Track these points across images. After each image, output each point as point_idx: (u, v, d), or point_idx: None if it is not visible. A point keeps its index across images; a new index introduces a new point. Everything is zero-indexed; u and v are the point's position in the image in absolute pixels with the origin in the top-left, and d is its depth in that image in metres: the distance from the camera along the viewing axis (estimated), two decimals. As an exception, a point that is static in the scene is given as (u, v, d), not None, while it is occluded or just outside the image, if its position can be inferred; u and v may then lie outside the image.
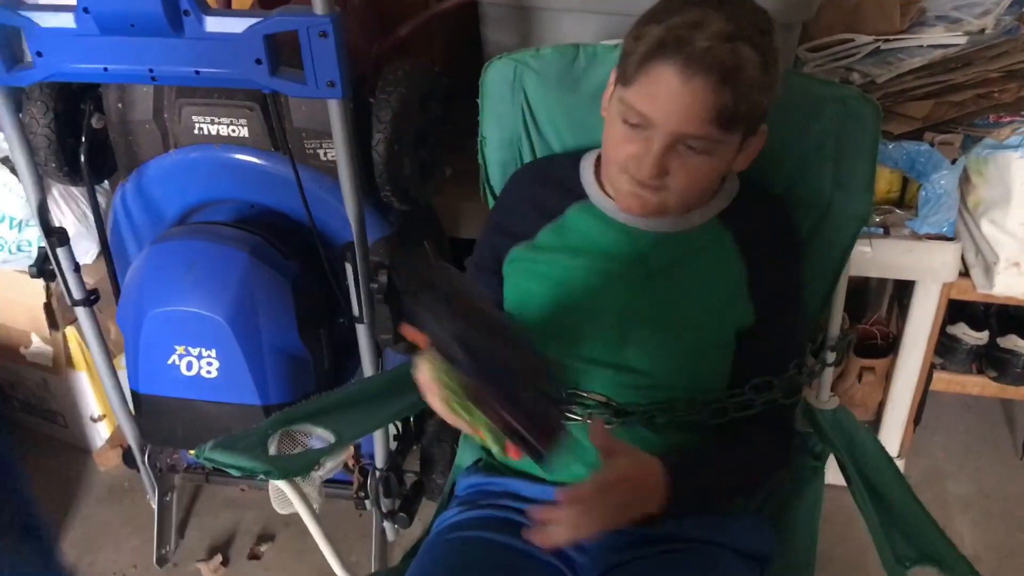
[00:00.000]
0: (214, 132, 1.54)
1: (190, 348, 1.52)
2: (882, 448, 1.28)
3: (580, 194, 1.22)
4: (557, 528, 0.95)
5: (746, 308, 1.18)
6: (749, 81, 0.99)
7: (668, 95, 1.00)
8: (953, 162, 1.61)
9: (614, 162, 1.11)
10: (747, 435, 1.20)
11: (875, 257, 1.71)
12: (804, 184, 1.29)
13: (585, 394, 1.19)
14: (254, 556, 1.93)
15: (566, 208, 1.21)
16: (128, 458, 1.87)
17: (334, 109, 1.34)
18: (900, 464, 1.99)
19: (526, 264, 1.23)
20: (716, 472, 1.15)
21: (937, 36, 1.68)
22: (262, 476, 1.16)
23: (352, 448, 1.80)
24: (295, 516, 2.01)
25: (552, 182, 1.25)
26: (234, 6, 1.61)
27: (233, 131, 1.53)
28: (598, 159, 1.21)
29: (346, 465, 1.80)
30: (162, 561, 1.90)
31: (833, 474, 1.32)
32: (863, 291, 2.29)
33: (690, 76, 0.98)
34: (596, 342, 1.18)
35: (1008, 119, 1.66)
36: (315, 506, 1.26)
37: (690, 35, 0.97)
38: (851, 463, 1.25)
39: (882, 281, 2.19)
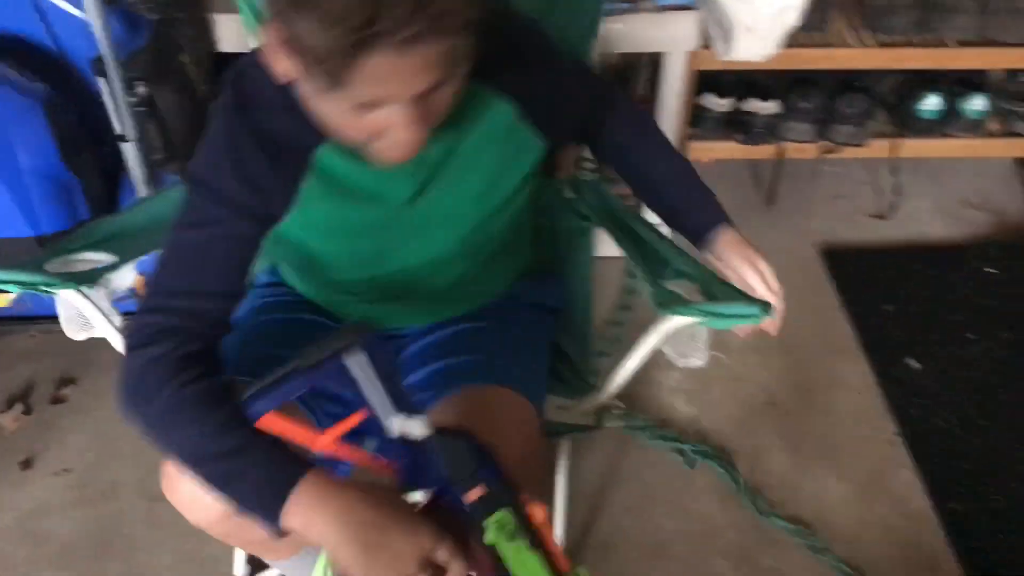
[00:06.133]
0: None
1: (-58, 186, 1.44)
2: (628, 205, 1.42)
3: (319, 137, 1.00)
4: None
5: (534, 143, 1.13)
6: (456, 11, 0.83)
7: (395, 77, 0.84)
8: (686, -69, 1.71)
9: (354, 140, 0.95)
10: None
11: (626, 32, 1.82)
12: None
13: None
14: (58, 400, 1.91)
15: (312, 156, 1.03)
16: None
17: (56, -93, 1.26)
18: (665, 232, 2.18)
19: (309, 227, 1.10)
20: None
21: None
22: (45, 288, 1.15)
23: (141, 277, 1.78)
24: (97, 358, 2.00)
25: (281, 138, 1.01)
26: None
27: (-53, -56, 1.41)
28: None
29: (137, 294, 1.78)
30: (-45, 421, 1.85)
31: (601, 247, 1.46)
32: (626, 75, 2.42)
33: (407, 52, 0.82)
34: (421, 268, 1.17)
35: None
36: (115, 321, 1.26)
37: (376, 12, 0.79)
38: (608, 217, 1.39)
39: (637, 63, 2.32)
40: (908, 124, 2.19)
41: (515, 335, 1.27)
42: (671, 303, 1.14)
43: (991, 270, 2.16)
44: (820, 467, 1.80)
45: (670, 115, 2.03)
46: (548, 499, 1.58)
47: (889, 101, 2.24)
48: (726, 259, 1.17)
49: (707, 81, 2.15)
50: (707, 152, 2.21)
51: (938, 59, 2.05)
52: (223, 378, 0.99)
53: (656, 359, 1.17)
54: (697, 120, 2.17)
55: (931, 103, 2.14)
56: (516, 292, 1.32)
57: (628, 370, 1.24)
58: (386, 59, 0.82)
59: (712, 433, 1.85)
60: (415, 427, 0.89)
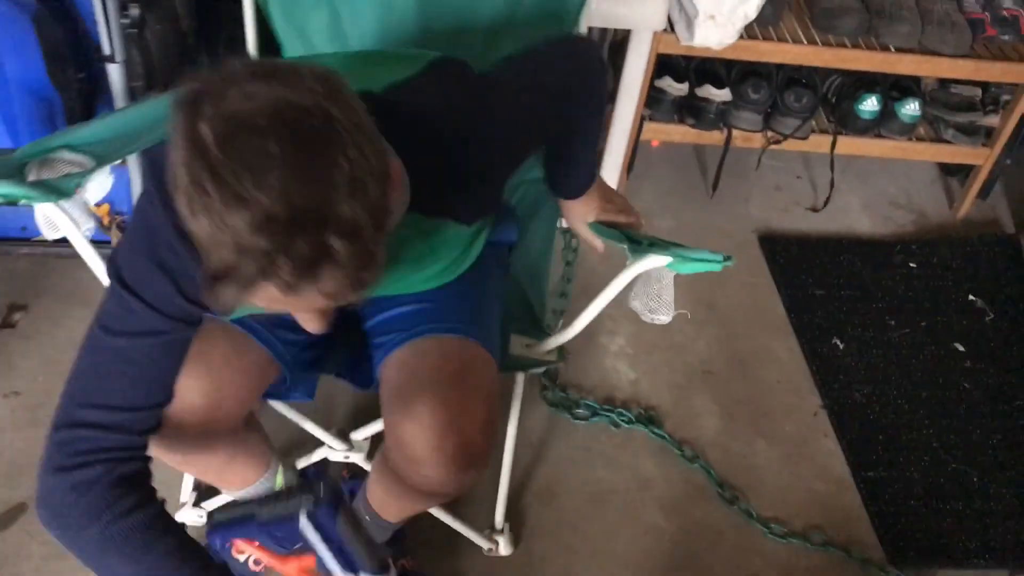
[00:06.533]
0: None
1: (-75, 91, 1.43)
2: None
3: None
4: None
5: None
6: (352, 241, 0.76)
7: (284, 304, 0.80)
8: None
9: None
10: None
11: (598, 9, 1.89)
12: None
13: None
14: (8, 325, 1.89)
15: None
16: None
17: None
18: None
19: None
20: None
21: None
22: (25, 201, 1.17)
23: (106, 206, 1.80)
24: (47, 284, 2.00)
25: None
26: None
27: None
28: None
29: (103, 224, 1.80)
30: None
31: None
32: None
33: (296, 291, 0.77)
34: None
35: None
36: (85, 229, 1.28)
37: (268, 266, 0.74)
38: None
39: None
40: (847, 122, 2.33)
41: (472, 281, 1.29)
42: (643, 248, 1.23)
43: (912, 265, 2.32)
44: (750, 433, 1.91)
45: (630, 95, 2.12)
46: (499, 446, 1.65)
47: (831, 99, 2.37)
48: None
49: (665, 65, 2.25)
50: (660, 134, 2.31)
51: (879, 63, 2.19)
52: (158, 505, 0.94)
53: (601, 324, 1.24)
54: (653, 102, 2.26)
55: (869, 104, 2.28)
56: None
57: (592, 313, 1.32)
58: (275, 292, 0.76)
59: (651, 396, 1.95)
60: None
